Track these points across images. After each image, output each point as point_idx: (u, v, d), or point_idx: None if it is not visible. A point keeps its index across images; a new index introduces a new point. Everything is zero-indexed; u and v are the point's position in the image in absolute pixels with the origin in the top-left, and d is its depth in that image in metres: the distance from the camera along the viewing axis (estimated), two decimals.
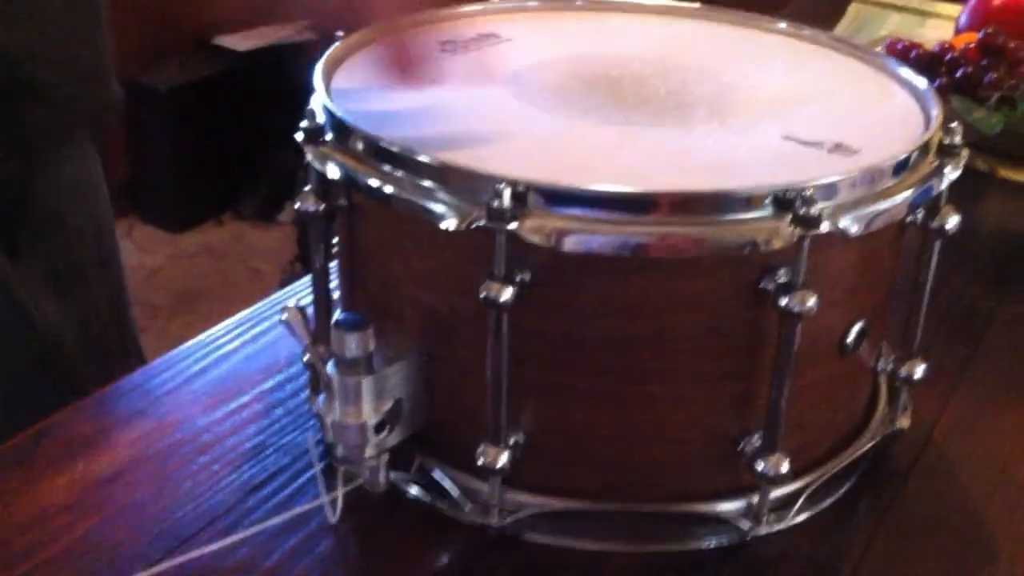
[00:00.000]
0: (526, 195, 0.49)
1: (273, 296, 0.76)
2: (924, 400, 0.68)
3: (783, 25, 0.72)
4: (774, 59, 0.69)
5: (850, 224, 0.50)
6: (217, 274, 2.39)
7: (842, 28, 1.23)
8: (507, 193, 0.48)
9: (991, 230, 0.95)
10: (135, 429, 0.63)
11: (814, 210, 0.48)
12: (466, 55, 0.68)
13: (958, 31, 0.99)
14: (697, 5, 0.75)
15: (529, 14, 0.75)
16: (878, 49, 0.71)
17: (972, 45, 0.87)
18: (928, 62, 0.87)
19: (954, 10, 1.05)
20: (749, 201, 0.49)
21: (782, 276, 0.50)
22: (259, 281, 2.30)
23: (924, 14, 1.20)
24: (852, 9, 1.23)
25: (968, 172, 0.84)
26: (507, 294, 0.49)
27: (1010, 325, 0.78)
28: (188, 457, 0.61)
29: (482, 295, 0.50)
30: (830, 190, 0.50)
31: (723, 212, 0.49)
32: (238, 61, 2.71)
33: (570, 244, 0.49)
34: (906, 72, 0.64)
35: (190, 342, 0.71)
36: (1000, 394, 0.70)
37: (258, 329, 0.73)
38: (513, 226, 0.48)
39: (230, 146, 2.54)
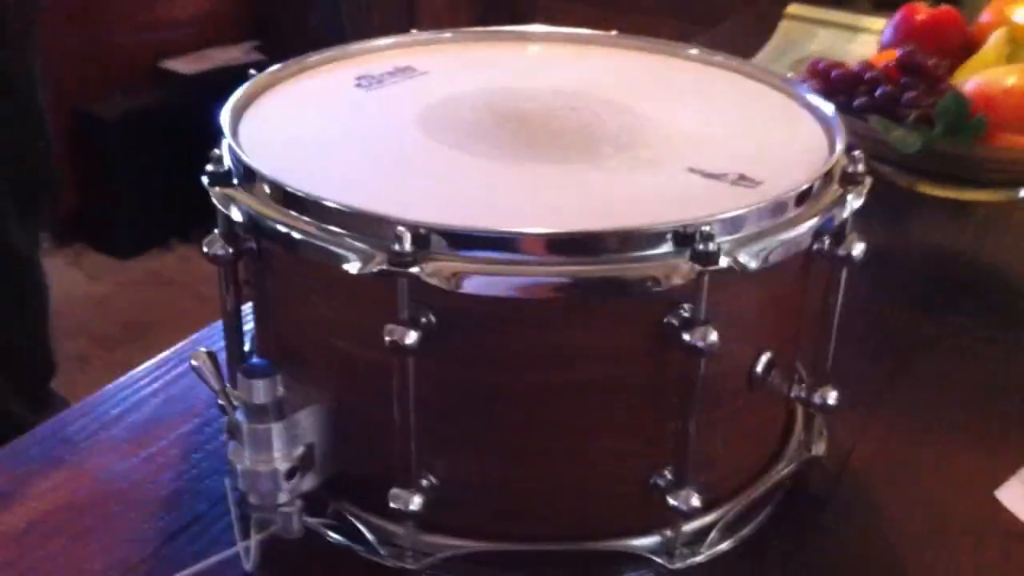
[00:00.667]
0: (428, 238, 0.49)
1: (195, 335, 0.76)
2: (844, 426, 0.68)
3: (695, 52, 0.73)
4: (685, 89, 0.69)
5: (749, 259, 0.50)
6: (165, 301, 2.37)
7: (772, 45, 1.24)
8: (407, 237, 0.48)
9: (915, 247, 0.96)
10: (51, 479, 0.63)
11: (712, 246, 0.49)
12: (380, 90, 0.68)
13: (882, 47, 1.00)
14: (613, 33, 0.76)
15: (446, 45, 0.75)
16: (791, 75, 0.72)
17: (892, 63, 0.88)
18: (849, 81, 0.88)
19: (883, 25, 1.06)
20: (648, 239, 0.49)
21: (685, 311, 0.51)
22: (207, 307, 2.28)
23: (854, 29, 1.21)
24: (782, 27, 1.24)
25: (892, 189, 0.86)
26: (411, 338, 0.49)
27: (932, 347, 0.79)
28: (104, 506, 0.61)
29: (387, 339, 0.49)
30: (730, 224, 0.50)
31: (622, 251, 0.49)
32: (186, 85, 2.69)
33: (469, 287, 0.49)
34: (814, 99, 0.65)
35: (109, 385, 0.71)
36: (920, 419, 0.71)
37: (179, 370, 0.72)
38: (415, 270, 0.48)
39: (180, 171, 2.51)
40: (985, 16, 0.97)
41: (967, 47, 0.95)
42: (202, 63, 2.77)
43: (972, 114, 0.82)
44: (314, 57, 0.70)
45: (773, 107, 0.66)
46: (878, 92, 0.85)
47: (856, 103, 0.86)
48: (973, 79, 0.86)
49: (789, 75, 0.89)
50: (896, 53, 0.88)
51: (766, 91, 0.68)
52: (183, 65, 2.76)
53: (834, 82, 0.89)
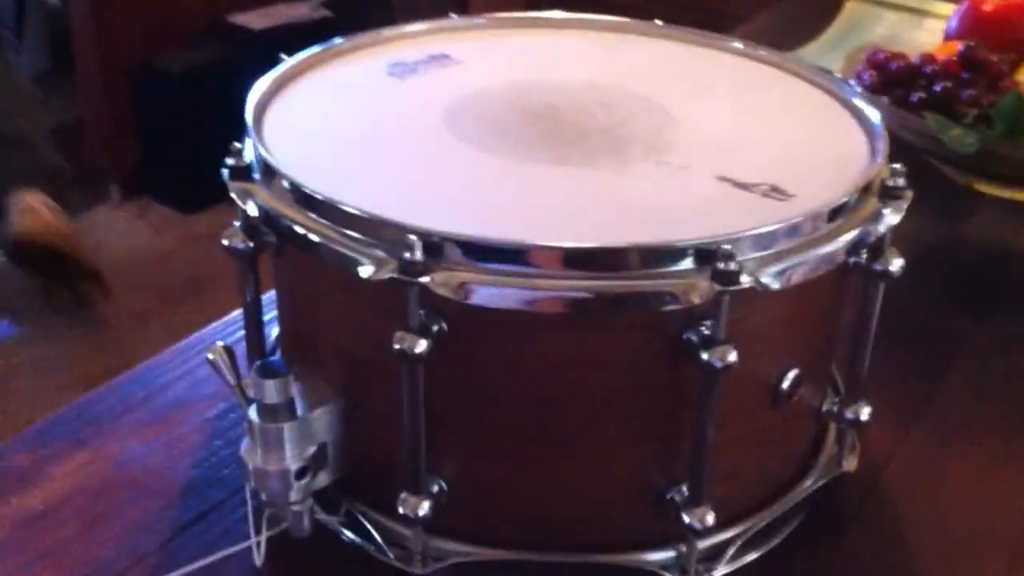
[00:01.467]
0: (442, 246, 0.48)
1: (226, 317, 0.75)
2: (880, 438, 0.66)
3: (739, 45, 0.70)
4: (724, 86, 0.67)
5: (772, 280, 0.48)
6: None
7: (836, 27, 1.20)
8: (419, 246, 0.47)
9: (971, 249, 0.92)
10: (71, 462, 0.63)
11: (733, 265, 0.47)
12: (412, 79, 0.66)
13: (947, 37, 0.96)
14: (657, 23, 0.73)
15: (483, 32, 0.73)
16: (846, 65, 0.69)
17: (954, 57, 0.85)
18: (908, 74, 0.85)
19: (952, 10, 1.02)
20: (669, 255, 0.48)
21: (705, 328, 0.49)
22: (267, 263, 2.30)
23: (921, 13, 1.17)
24: (847, 8, 1.20)
25: (949, 186, 0.83)
26: (421, 346, 0.48)
27: (978, 357, 0.76)
28: (121, 492, 0.61)
29: (396, 347, 0.48)
30: (754, 242, 0.49)
31: (641, 267, 0.48)
32: (252, 40, 2.69)
33: (478, 298, 0.47)
34: (859, 102, 0.62)
35: (137, 366, 0.71)
36: (957, 434, 0.68)
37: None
38: (425, 279, 0.47)
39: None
40: None
41: None
42: (269, 18, 2.78)
43: None
44: (346, 43, 0.69)
45: (815, 109, 0.64)
46: (937, 87, 0.82)
47: (914, 98, 0.83)
48: None
49: (840, 66, 0.87)
50: (958, 46, 0.85)
51: (810, 90, 0.66)
52: (251, 20, 2.77)
53: (892, 74, 0.86)
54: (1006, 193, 0.87)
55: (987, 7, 0.94)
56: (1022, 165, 0.79)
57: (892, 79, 0.85)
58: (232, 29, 2.76)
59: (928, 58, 0.85)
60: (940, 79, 0.82)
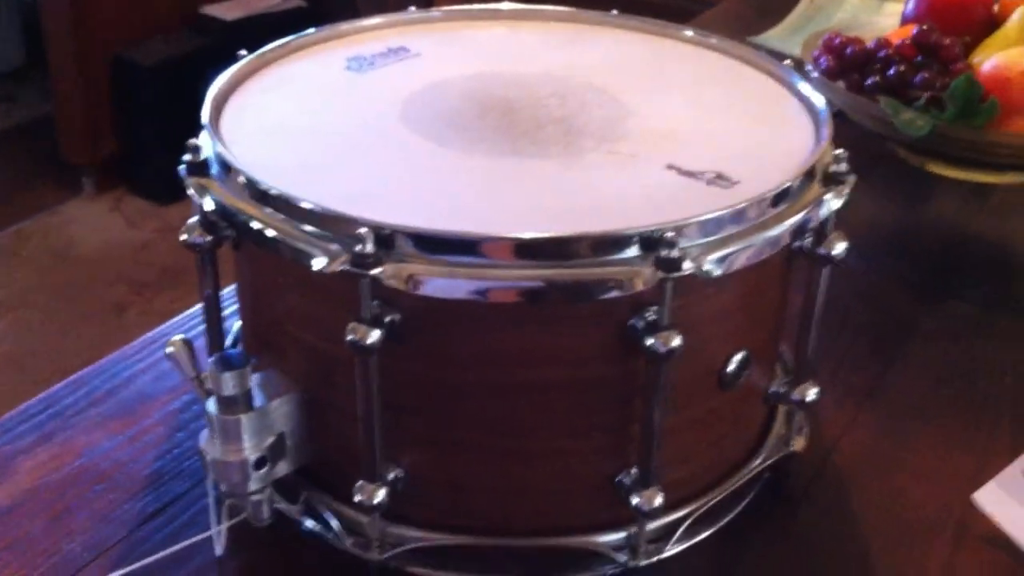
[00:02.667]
0: (393, 238, 0.49)
1: (188, 311, 0.76)
2: (833, 419, 0.68)
3: (691, 34, 0.71)
4: (676, 76, 0.68)
5: (714, 266, 0.49)
6: None
7: (799, 11, 1.22)
8: (370, 239, 0.48)
9: (927, 230, 0.94)
10: (38, 456, 0.64)
11: (676, 252, 0.48)
12: (370, 73, 0.67)
13: (904, 20, 0.97)
14: (613, 13, 0.74)
15: (441, 25, 0.74)
16: (804, 50, 0.70)
17: (908, 41, 0.86)
18: (863, 59, 0.86)
19: None
20: (614, 243, 0.49)
21: (650, 314, 0.50)
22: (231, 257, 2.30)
23: None
24: None
25: (904, 169, 0.84)
26: (373, 337, 0.49)
27: (930, 338, 0.77)
28: (86, 485, 0.62)
29: (348, 337, 0.49)
30: (697, 229, 0.50)
31: (587, 255, 0.49)
32: (225, 31, 2.69)
33: (429, 290, 0.48)
34: (807, 90, 0.64)
35: (102, 360, 0.72)
36: (908, 415, 0.70)
37: None
38: (376, 271, 0.48)
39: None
40: None
41: (991, 23, 0.92)
42: (243, 9, 2.77)
43: (986, 97, 0.80)
44: (306, 37, 0.69)
45: (763, 96, 0.65)
46: (891, 71, 0.83)
47: (868, 82, 0.84)
48: (991, 60, 0.83)
49: (798, 52, 0.88)
50: (912, 30, 0.86)
51: (759, 77, 0.67)
52: (224, 11, 2.76)
53: (848, 59, 0.87)
54: (960, 175, 0.89)
55: None
56: (974, 147, 0.81)
57: (848, 64, 0.86)
58: (205, 20, 2.75)
59: (883, 42, 0.86)
60: (894, 63, 0.83)
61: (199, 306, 0.76)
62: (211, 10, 2.77)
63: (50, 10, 2.52)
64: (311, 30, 0.70)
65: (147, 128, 2.62)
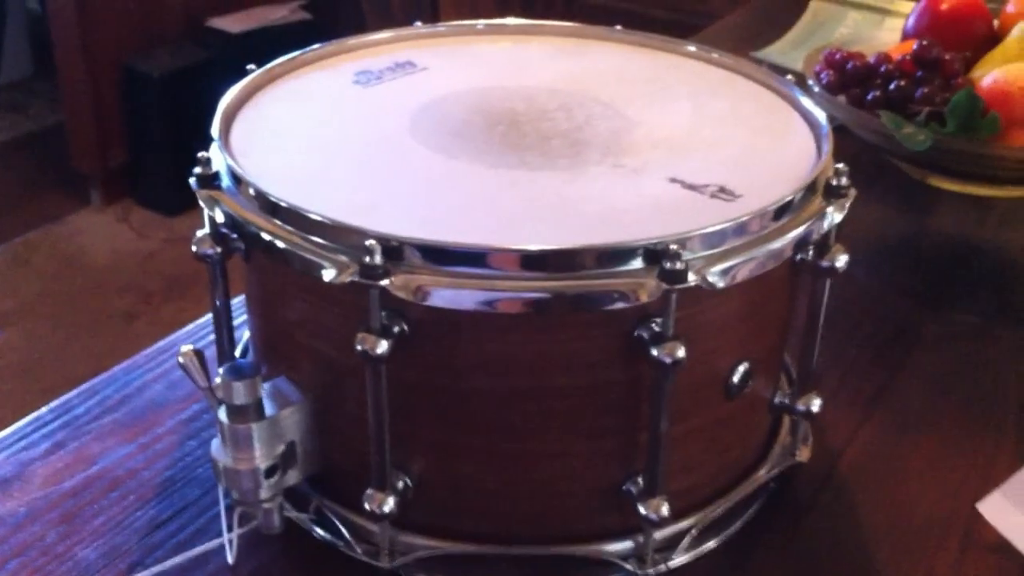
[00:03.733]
0: (401, 250, 0.50)
1: (200, 320, 0.77)
2: (837, 427, 0.68)
3: (693, 49, 0.72)
4: (680, 90, 0.69)
5: (718, 278, 0.50)
6: None
7: (800, 26, 1.23)
8: (378, 251, 0.49)
9: (930, 240, 0.95)
10: (51, 464, 0.65)
11: (680, 264, 0.49)
12: (378, 87, 0.68)
13: (905, 36, 0.98)
14: (617, 28, 0.75)
15: (447, 39, 0.75)
16: (805, 65, 0.71)
17: (908, 56, 0.87)
18: (864, 74, 0.87)
19: (911, 9, 1.04)
20: (619, 256, 0.50)
21: (656, 325, 0.51)
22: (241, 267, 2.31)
23: (883, 12, 1.19)
24: (812, 7, 1.22)
25: (905, 182, 0.85)
26: (382, 347, 0.50)
27: (934, 347, 0.78)
28: (100, 493, 0.63)
29: (358, 347, 0.50)
30: (700, 242, 0.51)
31: (593, 267, 0.50)
32: (231, 43, 2.71)
33: (436, 300, 0.49)
34: (808, 104, 0.65)
35: (114, 368, 0.73)
36: (912, 425, 0.70)
37: None
38: (385, 282, 0.49)
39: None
40: (1011, 7, 0.95)
41: (992, 38, 0.93)
42: (248, 21, 2.79)
43: (986, 111, 0.81)
44: (313, 52, 0.71)
45: (766, 112, 0.66)
46: (891, 86, 0.84)
47: (869, 97, 0.85)
48: (991, 74, 0.84)
49: (800, 66, 0.89)
50: (913, 46, 0.87)
51: (760, 92, 0.68)
52: (229, 23, 2.78)
53: (849, 74, 0.88)
54: (962, 188, 0.89)
55: (943, 6, 0.96)
56: (975, 161, 0.81)
57: (849, 78, 0.87)
58: (211, 32, 2.77)
59: (884, 57, 0.87)
60: (895, 78, 0.84)
61: (208, 316, 0.77)
62: (216, 23, 2.79)
63: (58, 20, 2.54)
64: (317, 45, 0.71)
65: (154, 139, 2.64)
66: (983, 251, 0.94)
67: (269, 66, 0.68)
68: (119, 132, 2.66)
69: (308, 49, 0.71)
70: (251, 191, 0.55)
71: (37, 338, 2.17)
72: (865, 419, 0.70)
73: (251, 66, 0.67)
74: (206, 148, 0.59)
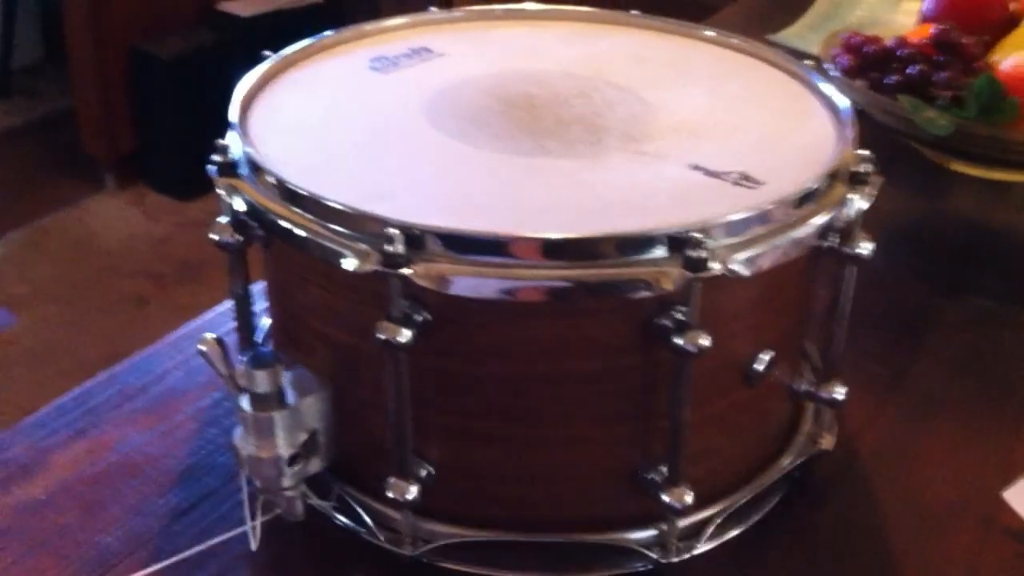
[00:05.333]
0: (423, 239, 0.50)
1: (219, 307, 0.77)
2: (856, 413, 0.68)
3: (712, 34, 0.72)
4: (698, 75, 0.68)
5: (742, 267, 0.50)
6: None
7: (816, 9, 1.22)
8: (400, 239, 0.49)
9: (949, 224, 0.94)
10: (71, 451, 0.65)
11: (703, 252, 0.49)
12: (394, 73, 0.68)
13: (922, 19, 0.97)
14: (634, 13, 0.75)
15: (463, 25, 0.75)
16: (822, 49, 0.71)
17: (927, 40, 0.86)
18: (883, 58, 0.86)
19: None
20: (641, 243, 0.49)
21: (678, 313, 0.51)
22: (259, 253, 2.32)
23: None
24: None
25: (924, 166, 0.85)
26: (404, 336, 0.50)
27: (953, 331, 0.78)
28: (120, 480, 0.63)
29: (379, 336, 0.50)
30: (724, 230, 0.50)
31: (615, 255, 0.49)
32: (242, 27, 2.70)
33: (458, 289, 0.49)
34: (828, 90, 0.64)
35: (135, 356, 0.73)
36: (933, 409, 0.70)
37: None
38: (406, 271, 0.49)
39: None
40: None
41: (1009, 22, 0.92)
42: (259, 5, 2.78)
43: (1006, 96, 0.80)
44: (329, 38, 0.70)
45: (786, 96, 0.65)
46: (911, 70, 0.84)
47: (888, 81, 0.85)
48: (1010, 59, 0.84)
49: (816, 49, 0.88)
50: (931, 29, 0.86)
51: (781, 77, 0.67)
52: (240, 7, 2.77)
53: (867, 58, 0.87)
54: (982, 173, 0.89)
55: None
56: (995, 145, 0.81)
57: (868, 62, 0.87)
58: (222, 16, 2.76)
59: (902, 41, 0.86)
60: (914, 62, 0.84)
61: (226, 303, 0.77)
62: (227, 6, 2.78)
63: (69, 4, 2.54)
64: (330, 32, 0.71)
65: (165, 123, 2.63)
66: (1000, 235, 0.94)
67: (284, 52, 0.67)
68: (129, 116, 2.65)
69: (323, 35, 0.70)
70: (270, 179, 0.55)
71: (50, 322, 2.18)
72: (883, 404, 0.70)
73: (266, 52, 0.67)
74: (218, 133, 0.59)
